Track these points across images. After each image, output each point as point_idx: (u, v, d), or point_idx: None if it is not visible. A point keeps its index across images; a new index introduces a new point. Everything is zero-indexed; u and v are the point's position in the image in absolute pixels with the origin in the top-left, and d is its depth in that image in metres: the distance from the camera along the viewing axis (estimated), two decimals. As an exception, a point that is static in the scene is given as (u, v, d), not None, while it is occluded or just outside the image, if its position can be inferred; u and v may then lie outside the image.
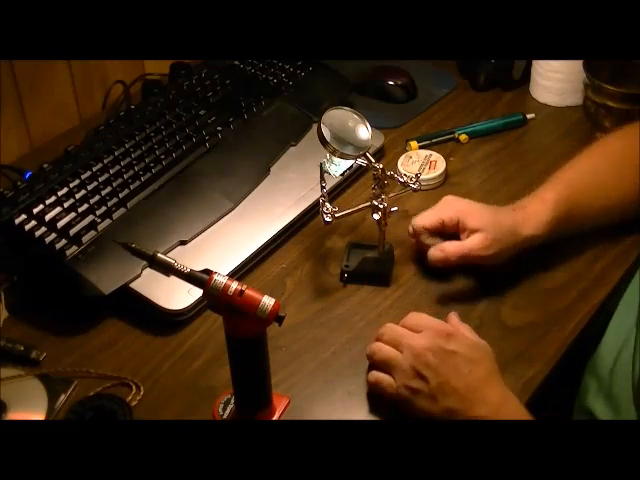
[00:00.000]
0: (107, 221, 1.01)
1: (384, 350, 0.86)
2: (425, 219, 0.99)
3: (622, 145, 1.03)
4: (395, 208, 0.98)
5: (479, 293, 0.99)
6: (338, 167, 0.99)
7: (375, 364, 0.87)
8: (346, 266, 1.01)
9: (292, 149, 1.15)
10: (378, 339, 0.88)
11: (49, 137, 1.25)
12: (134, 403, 0.88)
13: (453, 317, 0.90)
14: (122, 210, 1.03)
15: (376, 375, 0.86)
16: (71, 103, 1.28)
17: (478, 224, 0.96)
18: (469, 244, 0.95)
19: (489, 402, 0.81)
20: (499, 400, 0.81)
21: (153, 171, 1.07)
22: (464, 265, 0.99)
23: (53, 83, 1.25)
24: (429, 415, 0.82)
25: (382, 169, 0.95)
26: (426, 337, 0.84)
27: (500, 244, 0.96)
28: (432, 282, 1.00)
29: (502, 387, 0.83)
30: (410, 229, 1.00)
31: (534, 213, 0.97)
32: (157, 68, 1.33)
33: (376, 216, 0.98)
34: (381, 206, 0.97)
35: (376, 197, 0.97)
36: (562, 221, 0.98)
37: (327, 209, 0.95)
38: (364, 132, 0.97)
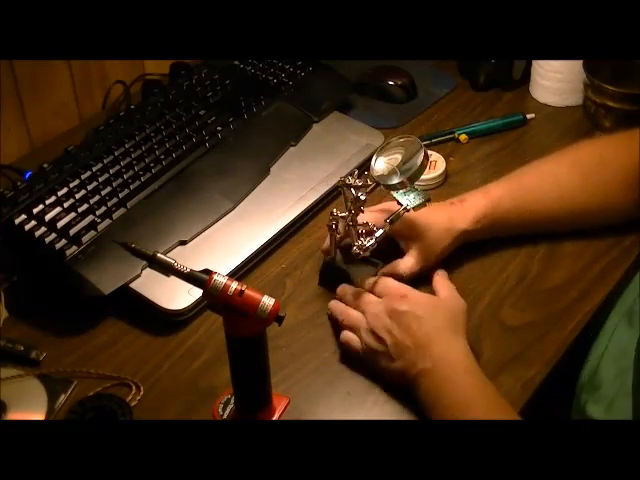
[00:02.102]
0: (107, 221, 1.01)
1: (350, 315, 0.91)
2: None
3: (592, 155, 1.03)
4: (346, 240, 0.96)
5: (479, 293, 0.99)
6: (410, 199, 0.95)
7: (342, 326, 0.92)
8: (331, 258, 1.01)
9: (292, 149, 1.15)
10: (340, 299, 0.94)
11: (49, 137, 1.25)
12: (134, 403, 0.88)
13: (437, 277, 0.95)
14: (122, 210, 1.03)
15: (346, 336, 0.91)
16: (71, 103, 1.28)
17: (414, 233, 0.97)
18: (405, 267, 0.97)
19: (431, 355, 0.84)
20: (440, 353, 0.84)
21: (153, 171, 1.07)
22: (463, 264, 1.00)
23: (53, 83, 1.25)
24: (390, 373, 0.87)
25: (350, 215, 0.93)
26: (383, 301, 0.89)
27: (438, 246, 0.98)
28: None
29: (449, 341, 0.86)
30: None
31: (471, 207, 0.99)
32: (157, 68, 1.33)
33: (329, 225, 0.95)
34: (333, 225, 0.94)
35: (345, 217, 0.94)
36: (501, 217, 0.99)
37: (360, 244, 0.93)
38: (380, 164, 0.94)
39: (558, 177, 1.02)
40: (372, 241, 0.93)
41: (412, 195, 0.94)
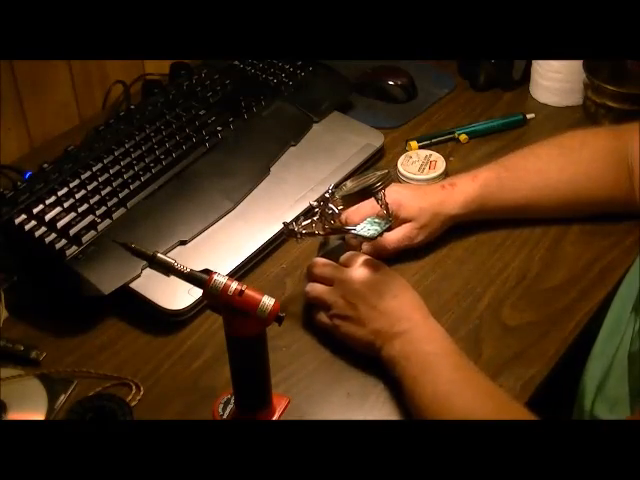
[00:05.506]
0: (107, 221, 1.01)
1: (316, 288, 0.93)
2: (355, 215, 0.98)
3: (573, 137, 1.06)
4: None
5: (479, 293, 0.99)
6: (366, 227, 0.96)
7: (311, 302, 0.94)
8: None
9: (292, 149, 1.15)
10: (310, 276, 0.95)
11: (49, 137, 1.25)
12: (134, 403, 0.88)
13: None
14: (122, 210, 1.03)
15: (315, 314, 0.93)
16: (71, 103, 1.28)
17: (407, 214, 1.00)
18: (395, 240, 1.00)
19: (411, 318, 0.87)
20: (421, 318, 0.88)
21: (153, 171, 1.07)
22: (463, 264, 1.01)
23: (53, 83, 1.25)
24: (356, 340, 0.89)
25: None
26: (355, 269, 0.91)
27: (427, 229, 1.01)
28: (431, 282, 1.00)
29: (426, 311, 0.89)
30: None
31: (461, 192, 1.02)
32: (157, 68, 1.33)
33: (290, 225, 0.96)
34: (292, 227, 0.95)
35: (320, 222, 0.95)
36: (489, 201, 1.03)
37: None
38: None
39: (539, 155, 1.05)
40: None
41: (373, 226, 0.95)
